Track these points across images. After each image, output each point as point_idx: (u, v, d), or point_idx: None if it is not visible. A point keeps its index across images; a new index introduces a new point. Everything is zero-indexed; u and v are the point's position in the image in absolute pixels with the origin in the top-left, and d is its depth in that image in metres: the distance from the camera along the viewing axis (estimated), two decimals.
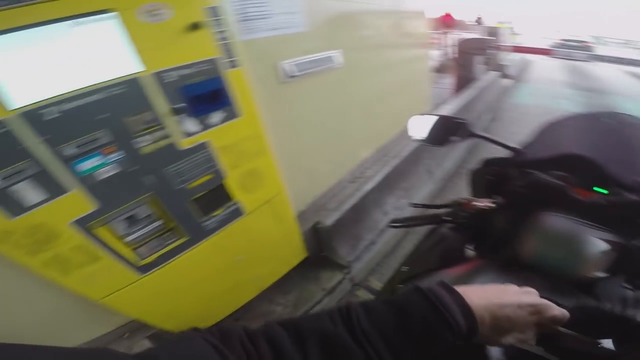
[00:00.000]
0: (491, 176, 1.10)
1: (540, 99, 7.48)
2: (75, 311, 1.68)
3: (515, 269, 0.78)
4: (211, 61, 1.42)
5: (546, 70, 12.04)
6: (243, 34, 1.49)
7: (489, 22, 11.21)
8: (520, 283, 0.61)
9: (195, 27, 1.32)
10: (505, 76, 8.60)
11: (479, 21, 10.70)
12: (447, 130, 1.25)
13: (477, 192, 1.17)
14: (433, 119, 1.30)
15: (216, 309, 2.11)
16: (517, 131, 5.13)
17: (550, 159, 0.95)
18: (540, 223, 0.77)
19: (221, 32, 1.42)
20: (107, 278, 1.49)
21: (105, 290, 1.51)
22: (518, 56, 12.27)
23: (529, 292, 0.59)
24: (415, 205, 1.25)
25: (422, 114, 1.36)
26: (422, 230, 1.23)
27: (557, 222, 0.75)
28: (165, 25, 1.27)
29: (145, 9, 1.21)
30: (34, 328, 1.62)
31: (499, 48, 8.28)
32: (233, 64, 1.49)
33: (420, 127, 1.34)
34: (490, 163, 1.13)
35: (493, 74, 7.05)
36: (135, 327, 1.97)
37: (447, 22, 6.48)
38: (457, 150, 3.83)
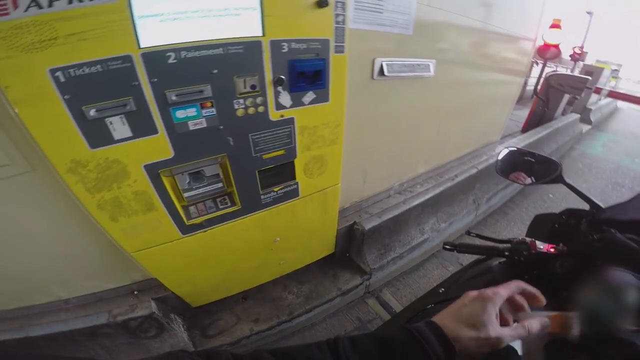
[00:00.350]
0: (558, 224, 1.14)
1: (613, 153, 6.45)
2: (96, 259, 1.72)
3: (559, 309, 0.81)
4: (323, 42, 1.42)
5: (637, 123, 10.01)
6: (352, 22, 1.44)
7: (588, 59, 9.83)
8: None
9: (322, 4, 1.31)
10: (585, 120, 7.72)
11: (576, 56, 9.23)
12: (535, 171, 1.26)
13: (538, 236, 1.17)
14: (525, 154, 1.31)
15: (233, 283, 2.15)
16: (575, 183, 4.86)
17: (629, 221, 0.97)
18: (606, 276, 0.79)
19: (339, 15, 1.40)
20: (150, 232, 1.50)
21: (143, 244, 1.53)
22: (608, 101, 10.79)
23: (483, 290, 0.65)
24: (471, 234, 1.26)
25: (516, 147, 1.37)
26: (446, 257, 1.23)
27: (623, 277, 0.77)
28: None
29: None
30: (49, 266, 1.64)
31: (591, 89, 7.37)
32: (340, 49, 1.48)
33: (509, 159, 1.35)
34: (570, 213, 1.15)
35: (573, 117, 6.43)
36: (146, 287, 2.01)
37: (544, 52, 5.49)
38: (509, 189, 3.80)
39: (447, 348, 0.56)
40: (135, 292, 1.97)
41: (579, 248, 0.93)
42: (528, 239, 1.02)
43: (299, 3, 1.27)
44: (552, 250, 0.98)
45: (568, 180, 1.17)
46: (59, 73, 0.97)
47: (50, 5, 0.89)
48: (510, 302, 0.66)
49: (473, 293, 0.65)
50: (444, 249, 1.15)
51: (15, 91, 0.95)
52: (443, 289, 1.24)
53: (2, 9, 0.85)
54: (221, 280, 2.01)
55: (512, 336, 0.59)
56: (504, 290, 0.64)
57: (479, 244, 1.11)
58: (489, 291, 0.63)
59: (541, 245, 1.00)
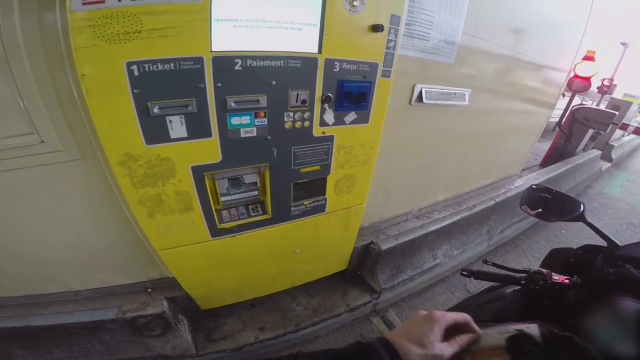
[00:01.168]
0: (574, 259, 1.18)
1: (631, 194, 6.22)
2: (119, 253, 1.71)
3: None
4: (372, 65, 1.45)
5: None
6: (400, 48, 1.47)
7: (616, 92, 9.14)
8: None
9: (377, 29, 1.34)
10: (605, 157, 7.42)
11: (604, 89, 8.57)
12: (556, 208, 1.29)
13: (552, 268, 1.19)
14: (548, 192, 1.34)
15: (246, 289, 2.13)
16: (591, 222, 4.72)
17: None
18: (618, 306, 0.83)
19: (391, 41, 1.43)
20: (182, 232, 1.50)
21: (172, 242, 1.52)
22: (631, 138, 9.99)
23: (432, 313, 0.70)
24: (487, 262, 1.28)
25: (540, 185, 1.39)
26: (454, 283, 1.24)
27: (633, 307, 0.80)
28: (355, 18, 1.29)
29: None
30: (68, 255, 1.63)
31: (617, 125, 6.92)
32: (386, 74, 1.51)
33: (532, 195, 1.37)
34: (587, 248, 1.18)
35: (594, 153, 6.18)
36: (159, 285, 1.98)
37: (572, 84, 5.04)
38: (523, 222, 3.80)
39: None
40: (149, 290, 1.95)
41: (594, 280, 0.97)
42: (545, 270, 1.06)
43: (355, 25, 1.30)
44: (566, 281, 1.02)
45: (589, 219, 1.20)
46: (134, 67, 0.99)
47: None
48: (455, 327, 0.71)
49: (423, 313, 0.70)
50: (462, 275, 1.19)
51: (90, 80, 0.97)
52: None
53: None
54: (236, 285, 1.99)
55: (450, 351, 0.64)
56: (452, 315, 0.70)
57: (496, 272, 1.16)
58: (438, 313, 0.68)
59: (556, 276, 1.04)
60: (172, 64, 1.03)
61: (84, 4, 0.87)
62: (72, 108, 1.16)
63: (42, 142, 1.20)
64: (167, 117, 1.12)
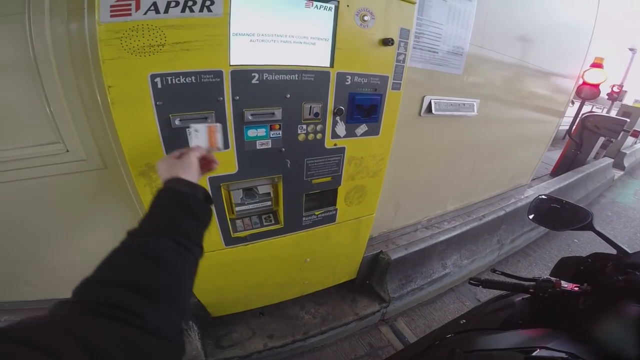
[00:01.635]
0: (583, 267, 1.19)
1: None
2: None
3: (581, 342, 0.85)
4: (383, 78, 1.47)
5: None
6: (409, 60, 1.50)
7: (627, 98, 8.73)
8: (585, 355, 0.76)
9: (387, 42, 1.37)
10: (617, 166, 7.19)
11: (614, 95, 8.24)
12: (566, 217, 1.29)
13: (562, 276, 1.19)
14: (556, 202, 1.35)
15: (256, 297, 2.14)
16: (602, 230, 4.44)
17: None
18: (626, 312, 0.84)
19: (401, 54, 1.46)
20: None
21: None
22: None
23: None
24: (496, 271, 1.29)
25: (548, 196, 1.40)
26: (464, 292, 1.24)
27: None
28: (366, 32, 1.32)
29: (361, 11, 1.26)
30: (86, 261, 1.62)
31: (629, 132, 6.71)
32: (396, 87, 1.54)
33: (541, 206, 1.38)
34: (597, 257, 1.19)
35: (605, 161, 6.01)
36: None
37: (581, 91, 4.91)
38: (534, 232, 3.75)
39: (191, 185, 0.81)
40: None
41: (603, 287, 0.99)
42: (553, 278, 1.07)
43: (366, 39, 1.33)
44: (575, 289, 1.04)
45: (598, 228, 1.20)
46: (158, 79, 1.03)
47: (166, 11, 0.95)
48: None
49: (175, 154, 0.92)
50: (470, 284, 1.22)
51: (116, 91, 1.01)
52: (464, 321, 1.26)
53: (125, 9, 0.91)
54: (247, 293, 2.01)
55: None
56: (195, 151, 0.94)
57: (505, 281, 1.18)
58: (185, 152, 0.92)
59: (565, 284, 1.05)
60: (193, 77, 1.07)
61: (112, 16, 0.91)
62: (96, 118, 1.20)
63: (67, 151, 1.25)
64: (187, 129, 1.15)
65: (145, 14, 0.94)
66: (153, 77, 1.02)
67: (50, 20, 1.07)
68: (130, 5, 0.91)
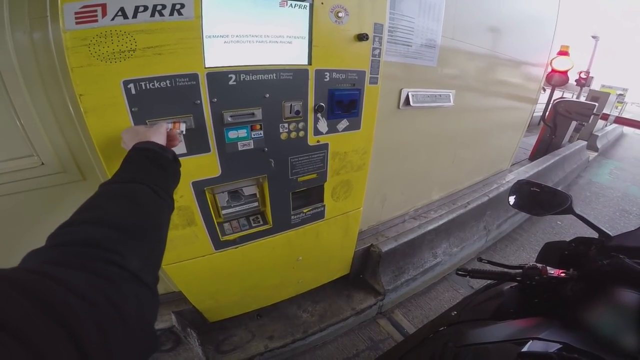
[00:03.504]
0: (567, 251, 1.17)
1: (620, 181, 6.24)
2: None
3: (572, 329, 0.83)
4: (360, 73, 1.45)
5: None
6: (385, 54, 1.48)
7: (594, 84, 8.99)
8: (577, 343, 0.74)
9: (362, 38, 1.36)
10: (591, 147, 7.48)
11: (582, 81, 8.42)
12: (546, 202, 1.27)
13: (548, 262, 1.20)
14: (536, 187, 1.33)
15: (251, 300, 2.09)
16: (581, 211, 4.47)
17: (636, 248, 1.00)
18: (615, 297, 0.83)
19: (376, 48, 1.44)
20: (186, 246, 1.47)
21: (176, 257, 1.49)
22: (614, 127, 10.33)
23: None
24: (482, 260, 1.27)
25: (526, 180, 1.38)
26: (457, 280, 1.22)
27: (630, 298, 0.80)
28: (341, 29, 1.30)
29: (335, 8, 1.24)
30: None
31: (598, 116, 7.07)
32: (374, 81, 1.52)
33: (520, 191, 1.36)
34: (580, 241, 1.17)
35: (580, 144, 6.23)
36: (165, 300, 1.96)
37: (552, 79, 5.11)
38: (518, 216, 3.80)
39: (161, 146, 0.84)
40: None
41: (589, 272, 0.97)
42: (539, 265, 1.07)
43: (342, 36, 1.31)
44: (562, 275, 1.02)
45: (578, 211, 1.19)
46: (131, 85, 0.98)
47: (135, 16, 0.91)
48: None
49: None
50: (457, 274, 1.18)
51: (88, 100, 0.96)
52: (455, 312, 1.24)
53: (91, 16, 0.87)
54: (241, 296, 1.96)
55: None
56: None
57: (492, 270, 1.15)
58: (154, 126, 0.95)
59: (552, 271, 1.05)
60: (168, 82, 1.03)
61: (77, 23, 0.86)
62: (70, 128, 1.15)
63: (42, 164, 1.19)
64: None
65: (112, 19, 0.89)
66: (126, 83, 0.97)
67: (12, 31, 1.01)
68: (96, 11, 0.87)
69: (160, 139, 0.88)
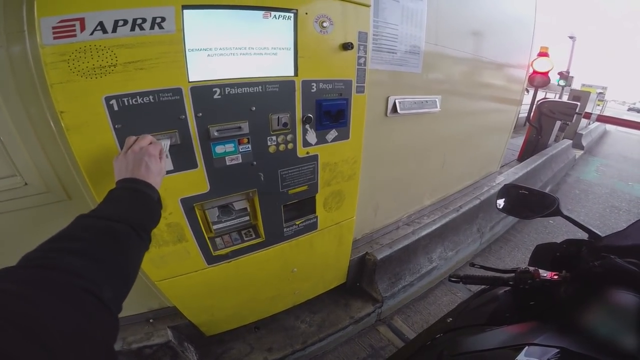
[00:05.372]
0: (559, 253, 1.14)
1: (607, 177, 6.28)
2: None
3: (569, 332, 0.80)
4: (347, 82, 1.43)
5: (626, 146, 9.71)
6: (370, 63, 1.46)
7: (575, 83, 9.19)
8: (574, 346, 0.71)
9: (347, 47, 1.34)
10: (577, 146, 7.51)
11: (565, 75, 8.48)
12: (534, 205, 1.25)
13: (540, 264, 1.17)
14: (523, 190, 1.30)
15: (248, 313, 2.03)
16: (572, 209, 4.56)
17: (627, 247, 0.97)
18: (609, 298, 0.80)
19: (361, 57, 1.42)
20: (178, 262, 1.42)
21: (168, 273, 1.44)
22: (597, 125, 10.41)
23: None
24: (474, 265, 1.25)
25: (513, 184, 1.35)
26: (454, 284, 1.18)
27: (625, 299, 0.77)
28: (326, 39, 1.28)
29: (320, 18, 1.22)
30: None
31: (581, 115, 7.19)
32: (360, 90, 1.49)
33: (508, 195, 1.34)
34: (570, 242, 1.14)
35: (565, 142, 6.24)
36: (161, 315, 1.91)
37: (533, 80, 5.07)
38: (510, 217, 3.70)
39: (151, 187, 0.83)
40: (151, 320, 1.87)
41: (582, 274, 0.94)
42: (531, 268, 1.03)
43: (327, 45, 1.28)
44: (555, 277, 0.99)
45: (566, 213, 1.17)
46: (113, 101, 0.95)
47: (114, 30, 0.88)
48: None
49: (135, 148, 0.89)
50: (450, 281, 1.15)
51: (70, 117, 0.92)
52: (451, 319, 1.21)
53: (69, 31, 0.83)
54: (237, 309, 1.90)
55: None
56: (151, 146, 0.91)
57: (484, 275, 1.11)
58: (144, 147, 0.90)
59: (544, 274, 1.02)
60: (151, 97, 0.99)
61: (55, 38, 0.82)
62: (52, 146, 1.10)
63: (26, 184, 1.14)
64: None
65: (91, 34, 0.86)
66: (108, 99, 0.94)
67: None
68: (74, 25, 0.83)
69: (152, 177, 0.86)
